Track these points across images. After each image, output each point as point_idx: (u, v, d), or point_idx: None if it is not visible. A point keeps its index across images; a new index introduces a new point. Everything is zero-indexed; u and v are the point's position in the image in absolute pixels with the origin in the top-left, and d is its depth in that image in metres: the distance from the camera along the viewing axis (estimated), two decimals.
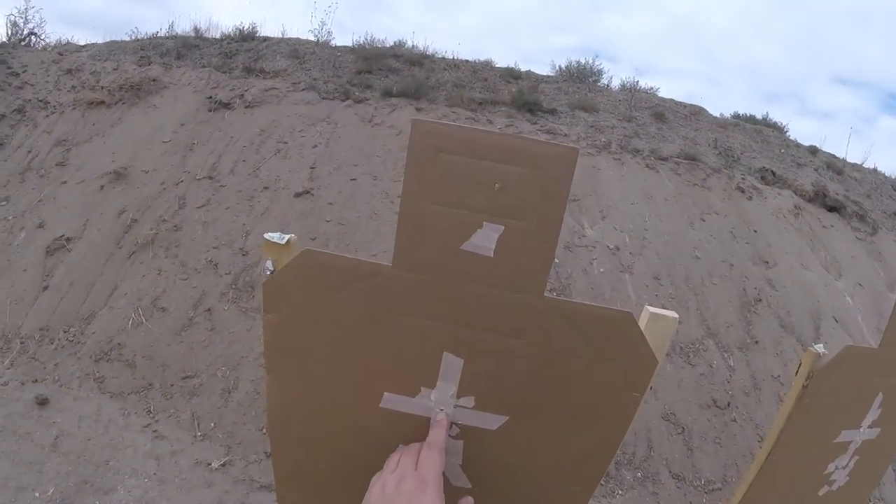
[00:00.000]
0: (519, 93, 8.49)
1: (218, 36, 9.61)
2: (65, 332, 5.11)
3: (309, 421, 1.18)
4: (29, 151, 6.92)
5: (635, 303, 5.92)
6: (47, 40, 9.93)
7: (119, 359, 4.85)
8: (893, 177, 11.94)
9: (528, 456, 1.16)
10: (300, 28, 15.53)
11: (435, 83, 8.24)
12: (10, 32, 9.80)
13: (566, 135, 7.94)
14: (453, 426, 1.13)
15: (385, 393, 1.11)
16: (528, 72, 10.26)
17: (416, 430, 1.13)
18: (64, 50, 9.03)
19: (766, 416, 5.53)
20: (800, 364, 1.32)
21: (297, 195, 5.92)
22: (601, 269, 6.09)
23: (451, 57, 9.68)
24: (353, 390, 1.12)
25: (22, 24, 9.92)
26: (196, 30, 9.78)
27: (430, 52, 9.73)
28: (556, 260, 5.90)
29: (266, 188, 6.05)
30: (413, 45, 9.78)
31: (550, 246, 1.00)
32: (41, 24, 10.04)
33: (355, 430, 1.15)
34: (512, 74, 9.67)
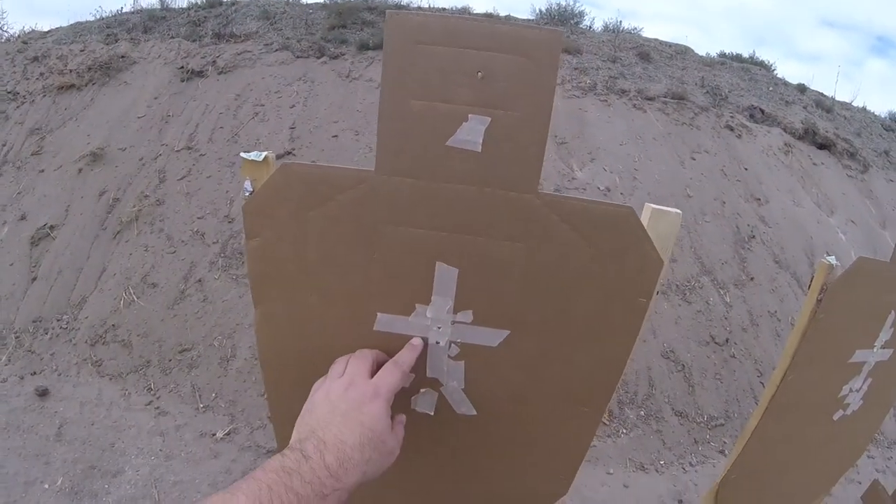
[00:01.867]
0: None
1: (185, 5, 9.40)
2: (58, 320, 5.07)
3: (302, 354, 1.13)
4: (3, 145, 6.81)
5: None
6: (10, 31, 9.76)
7: (114, 340, 4.82)
8: (883, 116, 12.02)
9: (533, 374, 1.13)
10: None
11: None
12: None
13: None
14: (452, 346, 1.09)
15: (378, 314, 1.06)
16: (509, 16, 10.11)
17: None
18: (28, 38, 8.86)
19: (764, 352, 5.58)
20: (812, 277, 1.30)
21: (280, 156, 5.80)
22: None
23: (426, 6, 9.55)
24: (345, 314, 1.07)
25: None
26: (161, 1, 9.60)
27: (404, 1, 9.56)
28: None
29: (247, 153, 5.91)
30: None
31: (541, 137, 0.94)
32: (2, 15, 9.87)
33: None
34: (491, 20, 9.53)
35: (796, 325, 1.36)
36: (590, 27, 10.93)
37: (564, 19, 10.68)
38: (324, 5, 8.95)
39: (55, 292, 5.28)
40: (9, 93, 7.51)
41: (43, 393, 4.40)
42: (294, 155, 5.83)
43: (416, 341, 1.05)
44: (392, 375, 0.98)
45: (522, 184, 0.94)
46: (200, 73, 7.12)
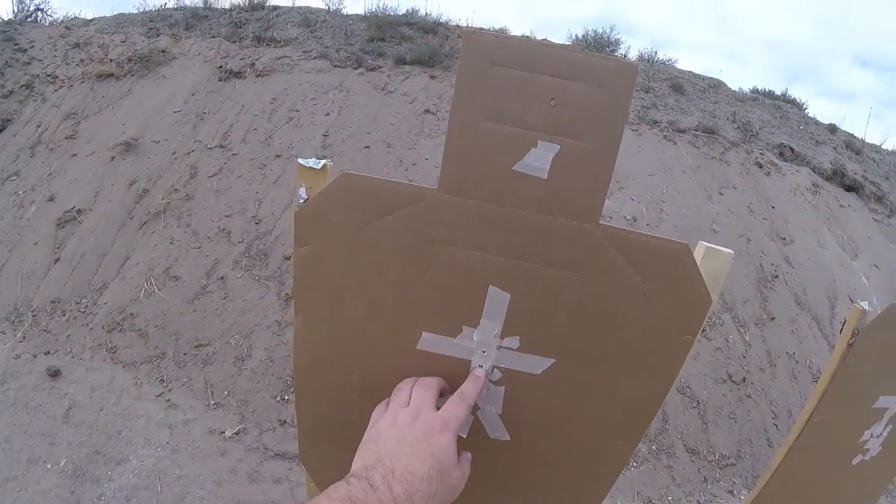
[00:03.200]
0: None
1: (227, 6, 9.50)
2: (76, 303, 5.10)
3: (339, 366, 1.11)
4: (38, 126, 6.91)
5: None
6: (54, 16, 9.91)
7: (132, 329, 4.84)
8: None
9: (572, 404, 1.10)
10: None
11: (449, 51, 8.14)
12: (16, 9, 9.80)
13: None
14: (495, 370, 1.07)
15: (424, 333, 1.04)
16: (545, 40, 10.16)
17: (456, 373, 1.07)
18: (71, 24, 9.01)
19: (780, 393, 5.52)
20: (844, 321, 1.27)
21: None
22: None
23: (465, 24, 9.58)
24: (390, 330, 1.06)
25: (28, 1, 9.92)
26: (205, 0, 9.68)
27: (443, 19, 9.57)
28: None
29: (278, 156, 6.00)
30: (426, 13, 9.63)
31: (608, 168, 0.93)
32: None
33: (390, 374, 1.08)
34: None
35: (826, 366, 1.34)
36: (625, 55, 10.91)
37: (600, 47, 10.68)
38: (364, 17, 9.02)
39: (77, 275, 5.32)
40: (48, 76, 7.63)
41: (55, 373, 4.42)
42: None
43: (479, 372, 1.04)
44: (459, 408, 0.96)
45: (584, 214, 0.93)
46: (238, 74, 7.21)
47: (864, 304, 1.25)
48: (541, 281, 0.98)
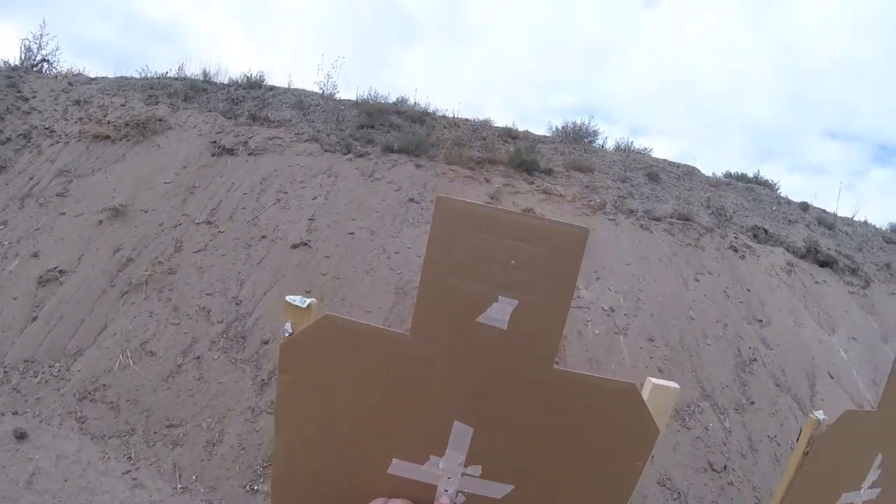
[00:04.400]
0: (516, 152, 8.75)
1: (226, 81, 9.83)
2: (50, 366, 5.09)
3: (315, 482, 1.23)
4: (31, 178, 7.02)
5: (630, 365, 5.99)
6: (59, 68, 10.11)
7: (103, 400, 4.82)
8: (884, 229, 12.32)
9: None
10: (306, 79, 15.76)
11: (435, 140, 8.46)
12: (23, 57, 9.98)
13: (562, 195, 8.15)
14: (459, 494, 1.20)
15: (394, 459, 1.17)
16: (526, 132, 10.58)
17: (423, 497, 1.18)
18: (74, 80, 9.23)
19: (763, 478, 5.55)
20: (800, 431, 1.41)
21: (295, 246, 6.01)
22: (596, 331, 6.17)
23: (451, 115, 9.95)
24: (363, 455, 1.17)
25: (36, 50, 10.12)
26: (205, 73, 10.02)
27: (431, 109, 9.99)
28: None
29: (264, 237, 6.12)
30: (415, 103, 10.04)
31: (561, 320, 1.08)
32: (55, 51, 10.24)
33: (362, 494, 1.19)
34: (510, 134, 9.97)
35: (785, 474, 1.45)
36: (602, 146, 11.35)
37: (579, 137, 11.08)
38: (356, 103, 9.34)
39: (53, 337, 5.32)
40: (46, 129, 7.80)
41: (21, 436, 4.37)
42: (310, 246, 5.99)
43: (445, 499, 1.14)
44: None
45: (541, 360, 1.08)
46: (231, 151, 7.41)
47: (819, 414, 1.39)
48: (501, 418, 1.11)
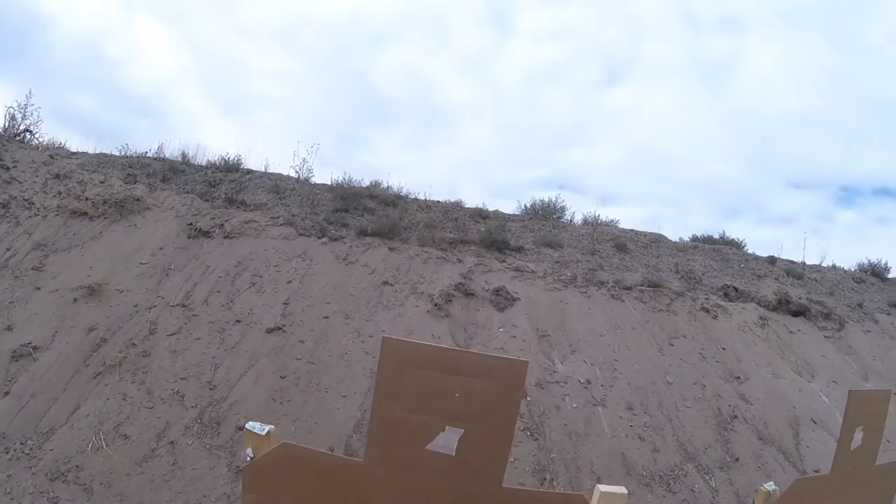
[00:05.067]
0: (487, 232, 9.11)
1: (203, 163, 10.10)
2: (22, 443, 5.12)
3: None
4: (8, 249, 7.13)
5: (610, 436, 6.05)
6: (41, 139, 10.26)
7: (76, 481, 4.86)
8: (852, 270, 12.76)
9: None
10: (283, 162, 16.06)
11: (408, 223, 8.79)
12: (6, 125, 10.16)
13: (533, 271, 8.43)
14: None
15: None
16: (496, 211, 10.98)
17: None
18: (56, 153, 9.45)
19: None
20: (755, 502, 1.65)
21: (269, 331, 6.17)
22: (574, 405, 6.26)
23: (423, 198, 10.38)
24: None
25: (20, 119, 10.28)
26: (184, 155, 10.29)
27: (404, 192, 10.41)
28: (529, 398, 6.13)
29: (238, 321, 6.26)
30: (388, 186, 10.48)
31: (506, 444, 1.32)
32: (37, 122, 10.38)
33: None
34: (481, 214, 10.36)
35: None
36: (571, 220, 11.83)
37: (547, 214, 11.55)
38: (330, 187, 9.70)
39: (25, 414, 5.37)
40: (26, 200, 7.98)
41: None
42: (284, 331, 6.18)
43: None
44: None
45: (489, 479, 1.29)
46: (207, 234, 7.62)
47: (770, 486, 1.63)
48: None
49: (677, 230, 13.70)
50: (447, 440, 1.28)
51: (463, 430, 1.27)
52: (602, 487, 1.36)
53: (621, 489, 1.37)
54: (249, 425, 1.37)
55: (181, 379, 5.65)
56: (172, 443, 5.11)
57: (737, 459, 6.24)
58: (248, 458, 1.38)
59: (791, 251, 15.25)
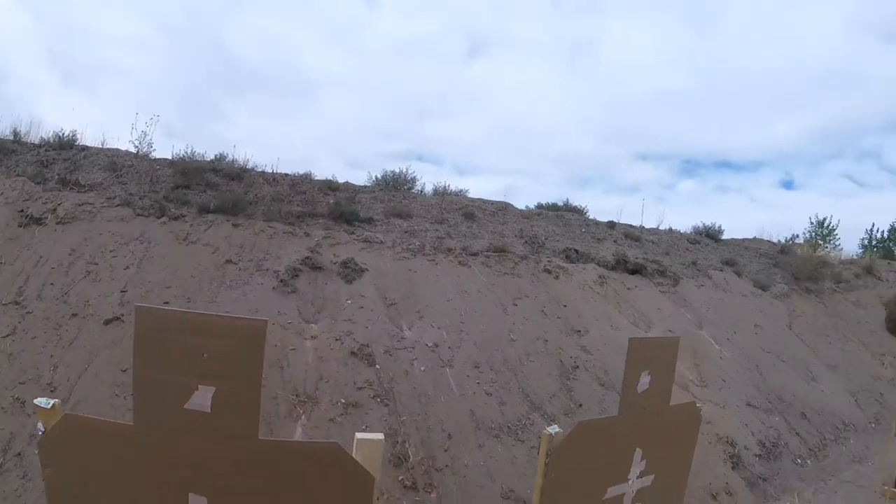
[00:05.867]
0: (336, 204, 9.24)
1: (37, 142, 9.42)
2: None
3: None
4: None
5: (458, 394, 6.37)
6: None
7: None
8: (688, 232, 14.53)
9: None
10: (124, 137, 14.93)
11: (253, 198, 8.70)
12: None
13: (382, 242, 8.65)
14: None
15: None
16: (346, 183, 11.14)
17: None
18: None
19: None
20: (540, 445, 1.80)
21: (107, 322, 6.02)
22: (422, 368, 6.56)
23: (270, 171, 10.27)
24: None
25: None
26: (15, 132, 9.52)
27: (250, 165, 10.22)
28: (378, 365, 6.40)
29: (75, 315, 6.04)
30: (233, 159, 10.22)
31: (255, 398, 1.48)
32: None
33: None
34: (330, 186, 10.45)
35: (535, 484, 1.85)
36: (421, 191, 12.22)
37: (398, 185, 11.85)
38: (171, 162, 9.40)
39: None
40: None
41: None
42: (122, 321, 6.01)
43: None
44: None
45: (245, 432, 1.44)
46: (39, 221, 7.17)
47: (553, 429, 1.80)
48: (225, 485, 1.48)
49: (531, 199, 14.57)
50: (201, 398, 1.42)
51: (214, 388, 1.41)
52: (359, 435, 1.51)
53: (378, 435, 1.51)
54: (37, 401, 1.49)
55: (20, 384, 5.37)
56: (20, 454, 4.84)
57: (580, 405, 6.82)
58: (40, 433, 1.50)
59: (634, 217, 16.55)
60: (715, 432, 7.45)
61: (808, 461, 7.87)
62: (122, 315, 6.14)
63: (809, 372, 10.18)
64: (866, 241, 29.58)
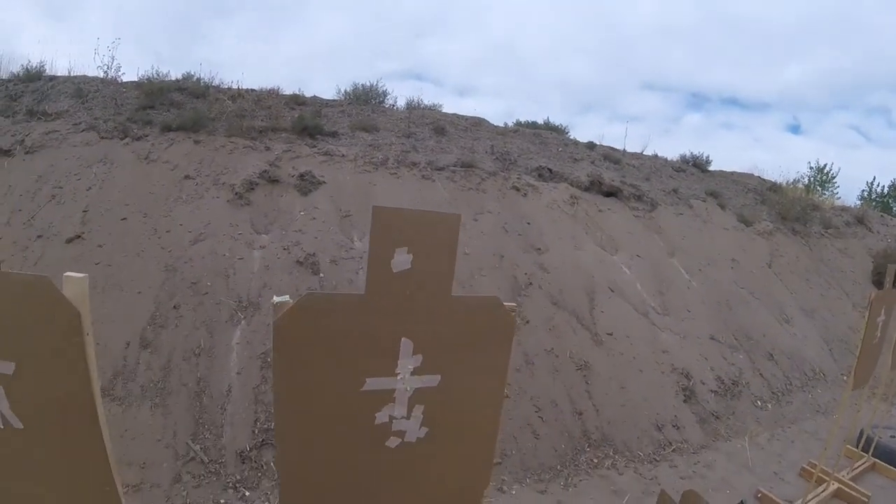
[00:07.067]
0: (300, 118, 9.24)
1: (6, 77, 9.58)
2: None
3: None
4: None
5: None
6: None
7: None
8: (673, 160, 14.01)
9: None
10: (90, 64, 14.90)
11: (216, 114, 8.77)
12: None
13: (343, 155, 8.69)
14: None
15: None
16: (314, 97, 11.07)
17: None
18: None
19: (543, 387, 6.24)
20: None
21: (69, 241, 6.27)
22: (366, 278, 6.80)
23: (236, 87, 10.25)
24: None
25: None
26: None
27: (216, 83, 10.23)
28: (322, 274, 6.61)
29: (40, 236, 6.29)
30: (198, 78, 10.25)
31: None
32: None
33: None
34: (297, 101, 10.43)
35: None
36: (393, 105, 12.11)
37: (368, 99, 11.79)
38: (137, 84, 9.51)
39: None
40: None
41: None
42: (83, 238, 6.33)
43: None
44: None
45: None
46: (8, 152, 7.44)
47: (281, 298, 1.63)
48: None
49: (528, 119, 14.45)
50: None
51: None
52: (67, 273, 1.54)
53: (83, 274, 1.54)
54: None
55: None
56: None
57: (528, 322, 6.88)
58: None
59: (632, 144, 16.13)
60: (670, 362, 7.50)
61: (769, 405, 7.88)
62: (83, 234, 6.41)
63: (784, 314, 10.11)
64: (865, 194, 29.07)
